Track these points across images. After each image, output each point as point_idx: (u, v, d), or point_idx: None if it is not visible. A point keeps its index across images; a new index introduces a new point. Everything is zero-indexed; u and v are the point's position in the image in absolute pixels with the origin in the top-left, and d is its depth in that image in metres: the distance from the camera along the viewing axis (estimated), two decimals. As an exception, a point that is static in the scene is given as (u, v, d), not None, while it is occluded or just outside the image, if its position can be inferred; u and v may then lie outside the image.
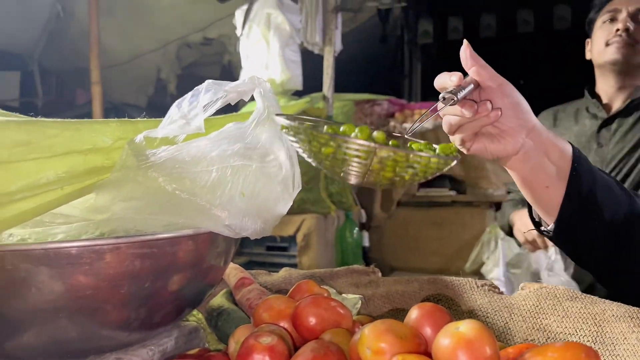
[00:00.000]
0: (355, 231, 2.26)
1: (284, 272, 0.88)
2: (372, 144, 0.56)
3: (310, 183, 2.12)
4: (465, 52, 0.60)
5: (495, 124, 0.62)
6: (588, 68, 1.45)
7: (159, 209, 0.54)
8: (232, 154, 0.55)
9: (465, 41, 0.61)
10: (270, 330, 0.48)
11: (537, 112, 0.79)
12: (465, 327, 0.39)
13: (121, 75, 4.12)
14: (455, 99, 0.57)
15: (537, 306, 0.66)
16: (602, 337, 0.58)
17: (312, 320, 0.52)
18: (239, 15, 2.62)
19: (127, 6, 3.73)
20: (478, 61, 0.60)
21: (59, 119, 0.51)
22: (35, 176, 0.48)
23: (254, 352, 0.44)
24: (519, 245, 1.48)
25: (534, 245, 1.33)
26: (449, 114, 0.63)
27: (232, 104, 0.63)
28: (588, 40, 1.43)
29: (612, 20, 1.32)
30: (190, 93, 0.61)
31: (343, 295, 0.76)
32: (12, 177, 0.47)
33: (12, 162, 0.47)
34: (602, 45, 1.32)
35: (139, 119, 0.60)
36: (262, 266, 2.18)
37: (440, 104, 0.58)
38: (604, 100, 1.39)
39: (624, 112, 1.32)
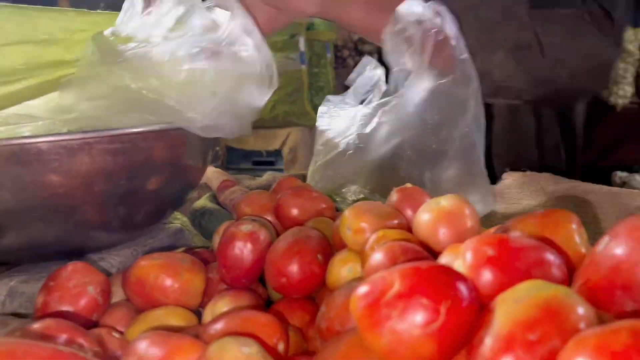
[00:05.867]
0: (341, 143, 2.24)
1: (268, 175, 0.87)
2: None
3: (293, 95, 2.06)
4: None
5: None
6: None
7: (128, 108, 0.51)
8: (200, 52, 0.51)
9: None
10: (252, 220, 0.47)
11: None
12: (446, 201, 0.39)
13: None
14: None
15: (521, 192, 0.66)
16: (584, 215, 0.59)
17: (295, 211, 0.51)
18: None
19: None
20: None
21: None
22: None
23: (235, 239, 0.44)
24: None
25: None
26: None
27: None
28: None
29: None
30: None
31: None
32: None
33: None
34: None
35: (98, 10, 0.56)
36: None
37: None
38: None
39: None
